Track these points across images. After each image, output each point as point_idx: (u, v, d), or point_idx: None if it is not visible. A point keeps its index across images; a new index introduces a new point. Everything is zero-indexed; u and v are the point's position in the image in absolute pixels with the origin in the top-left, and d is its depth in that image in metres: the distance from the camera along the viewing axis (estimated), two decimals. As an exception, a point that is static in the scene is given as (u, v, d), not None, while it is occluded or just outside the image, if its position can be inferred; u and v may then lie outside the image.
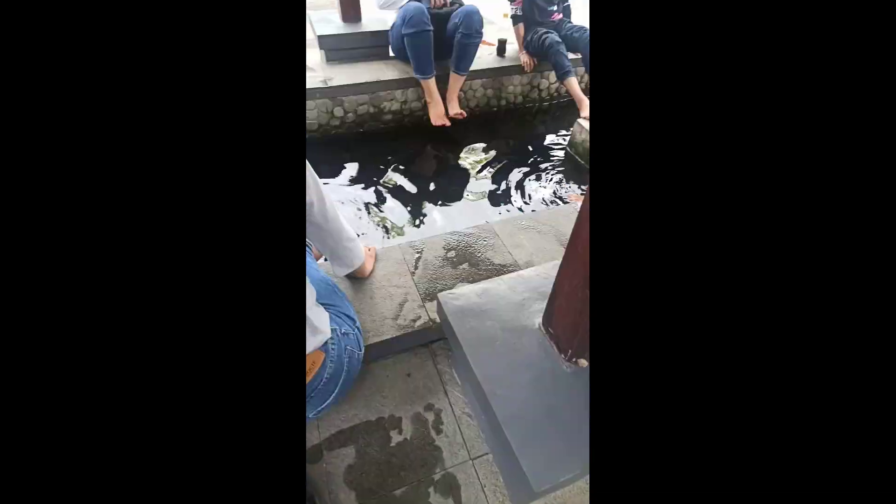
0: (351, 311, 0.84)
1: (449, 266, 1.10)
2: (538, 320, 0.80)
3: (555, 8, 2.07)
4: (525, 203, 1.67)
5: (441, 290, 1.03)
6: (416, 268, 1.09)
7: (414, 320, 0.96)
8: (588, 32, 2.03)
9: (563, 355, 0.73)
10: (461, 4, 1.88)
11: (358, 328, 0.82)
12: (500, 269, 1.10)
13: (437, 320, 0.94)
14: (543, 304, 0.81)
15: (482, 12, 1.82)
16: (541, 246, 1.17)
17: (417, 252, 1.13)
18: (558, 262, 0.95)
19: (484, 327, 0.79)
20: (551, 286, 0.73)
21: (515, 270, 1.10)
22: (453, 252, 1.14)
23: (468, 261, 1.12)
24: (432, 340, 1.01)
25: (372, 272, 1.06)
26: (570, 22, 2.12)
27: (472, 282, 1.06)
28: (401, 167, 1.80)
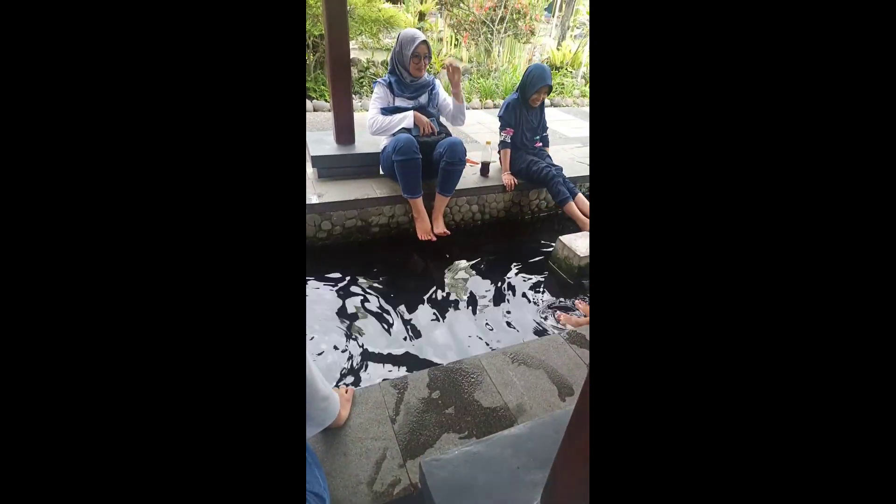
0: (320, 485, 0.73)
1: (433, 411, 1.00)
2: (536, 500, 0.70)
3: (538, 137, 2.29)
4: (509, 314, 1.63)
5: (424, 443, 0.93)
6: (396, 413, 0.99)
7: (393, 485, 0.84)
8: (563, 170, 2.24)
9: (567, 554, 0.62)
10: (448, 134, 2.05)
11: (327, 509, 0.70)
12: (490, 415, 1.01)
13: (420, 485, 0.83)
14: (541, 475, 0.72)
15: (471, 133, 1.97)
16: (531, 384, 1.10)
17: (399, 392, 1.05)
18: (555, 415, 0.88)
19: (474, 510, 0.69)
20: (549, 450, 0.65)
21: (505, 415, 1.01)
22: (438, 392, 1.06)
23: (454, 404, 1.03)
24: (413, 507, 0.87)
25: (348, 419, 0.95)
26: (547, 152, 2.33)
27: (458, 432, 0.96)
28: (385, 281, 1.78)
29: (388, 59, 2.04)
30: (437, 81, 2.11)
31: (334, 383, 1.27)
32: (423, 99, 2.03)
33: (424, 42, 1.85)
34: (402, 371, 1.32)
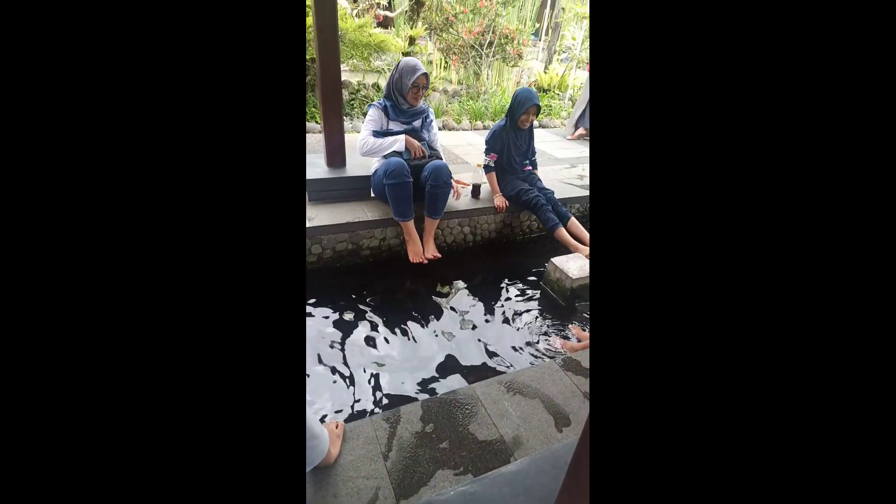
0: (308, 533, 0.69)
1: (427, 446, 0.97)
2: (535, 545, 0.67)
3: (527, 161, 2.32)
4: (502, 338, 1.60)
5: (418, 481, 0.89)
6: (389, 449, 0.95)
7: (385, 528, 0.80)
8: (555, 193, 2.27)
9: None
10: (439, 157, 2.06)
11: (315, 560, 0.66)
12: (485, 449, 0.97)
13: (414, 528, 0.79)
14: (539, 516, 0.69)
15: (462, 154, 1.98)
16: (527, 414, 1.08)
17: (391, 426, 1.01)
18: (552, 449, 0.86)
19: (471, 558, 0.65)
20: (547, 487, 0.63)
21: (502, 448, 0.98)
22: (431, 425, 1.02)
23: (448, 437, 0.99)
24: (407, 551, 0.83)
25: (338, 456, 0.91)
26: (537, 176, 2.35)
27: (453, 468, 0.92)
28: (376, 306, 1.75)
29: (385, 84, 2.07)
30: (431, 109, 2.14)
31: (323, 415, 1.22)
32: (417, 123, 2.05)
33: (425, 74, 1.90)
34: (394, 401, 1.28)
